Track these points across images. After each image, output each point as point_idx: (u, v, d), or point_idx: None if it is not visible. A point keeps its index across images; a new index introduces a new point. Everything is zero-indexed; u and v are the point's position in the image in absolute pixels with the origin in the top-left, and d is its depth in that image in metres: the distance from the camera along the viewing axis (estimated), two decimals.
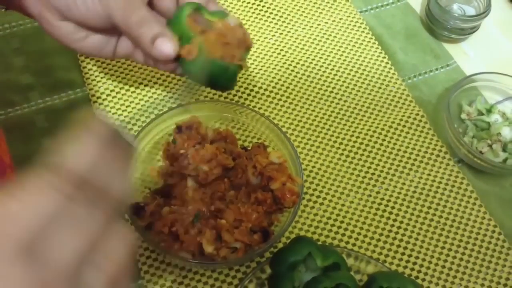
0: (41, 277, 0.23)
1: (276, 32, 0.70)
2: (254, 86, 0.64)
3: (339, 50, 0.69)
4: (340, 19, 0.72)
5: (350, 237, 0.54)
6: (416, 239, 0.55)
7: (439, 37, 0.71)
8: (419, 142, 0.62)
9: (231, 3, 0.72)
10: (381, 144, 0.61)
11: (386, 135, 0.62)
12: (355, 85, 0.66)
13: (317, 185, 0.57)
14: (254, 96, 0.63)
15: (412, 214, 0.56)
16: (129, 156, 0.29)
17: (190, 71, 0.43)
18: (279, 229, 0.50)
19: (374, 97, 0.65)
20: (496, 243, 0.55)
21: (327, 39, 0.70)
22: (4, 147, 0.53)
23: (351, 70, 0.67)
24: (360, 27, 0.71)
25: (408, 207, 0.57)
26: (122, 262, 0.27)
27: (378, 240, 0.54)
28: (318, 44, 0.69)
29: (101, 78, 0.63)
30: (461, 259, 0.54)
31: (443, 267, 0.53)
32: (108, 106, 0.61)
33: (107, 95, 0.62)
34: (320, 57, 0.68)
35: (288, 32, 0.70)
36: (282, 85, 0.65)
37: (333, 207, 0.56)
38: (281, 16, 0.71)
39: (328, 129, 0.62)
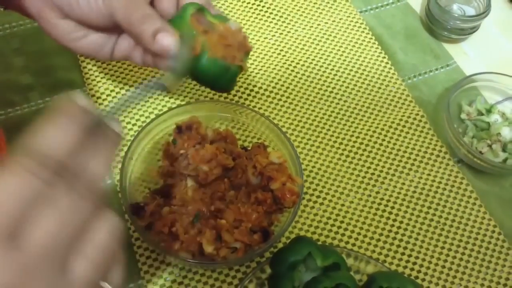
0: (22, 262, 0.23)
1: (276, 32, 0.70)
2: (254, 86, 0.64)
3: (339, 50, 0.69)
4: (340, 19, 0.72)
5: (350, 237, 0.54)
6: (416, 239, 0.55)
7: (439, 37, 0.71)
8: (419, 142, 0.62)
9: (231, 3, 0.72)
10: (381, 144, 0.61)
11: (386, 135, 0.62)
12: (355, 85, 0.66)
13: (317, 185, 0.57)
14: (254, 96, 0.64)
15: (412, 214, 0.56)
16: (114, 143, 0.29)
17: (191, 69, 0.43)
18: (279, 229, 0.50)
19: (374, 97, 0.65)
20: (496, 243, 0.55)
21: (327, 39, 0.70)
22: (4, 147, 0.53)
23: (351, 70, 0.67)
24: (360, 27, 0.71)
25: (408, 207, 0.57)
26: (109, 248, 0.27)
27: (378, 240, 0.54)
28: (318, 44, 0.69)
29: (101, 78, 0.63)
30: (461, 259, 0.54)
31: (443, 267, 0.53)
32: (108, 106, 0.61)
33: (107, 95, 0.62)
34: (320, 57, 0.68)
35: (288, 32, 0.70)
36: (282, 85, 0.65)
37: (333, 207, 0.56)
38: (281, 16, 0.71)
39: (328, 129, 0.62)
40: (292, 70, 0.66)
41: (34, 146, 0.25)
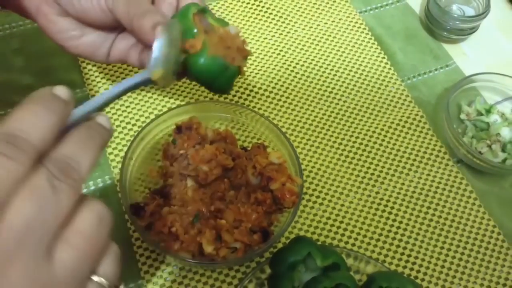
0: (3, 248, 0.23)
1: (275, 32, 0.70)
2: (254, 86, 0.65)
3: (338, 50, 0.69)
4: (340, 19, 0.72)
5: (349, 237, 0.54)
6: (416, 239, 0.55)
7: (439, 37, 0.71)
8: (419, 142, 0.62)
9: (231, 3, 0.72)
10: (381, 145, 0.61)
11: (385, 136, 0.62)
12: (355, 85, 0.66)
13: (317, 185, 0.57)
14: (254, 97, 0.64)
15: (411, 214, 0.56)
16: (100, 136, 0.29)
17: (191, 66, 0.43)
18: (278, 229, 0.50)
19: (374, 97, 0.65)
20: (495, 243, 0.55)
21: (327, 39, 0.70)
22: None
23: (350, 70, 0.67)
24: (359, 27, 0.71)
25: (407, 207, 0.57)
26: (96, 237, 0.26)
27: (378, 240, 0.54)
28: (317, 45, 0.69)
29: (101, 78, 0.63)
30: (460, 259, 0.54)
31: (443, 267, 0.53)
32: (108, 107, 0.61)
33: None
34: (320, 58, 0.68)
35: (288, 32, 0.70)
36: (282, 86, 0.65)
37: (332, 207, 0.56)
38: (280, 17, 0.71)
39: (328, 130, 0.62)
40: (292, 71, 0.66)
41: (7, 129, 0.25)
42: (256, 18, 0.71)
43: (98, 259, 0.27)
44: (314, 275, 0.46)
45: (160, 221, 0.47)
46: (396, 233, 0.55)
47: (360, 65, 0.68)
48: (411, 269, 0.53)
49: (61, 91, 0.28)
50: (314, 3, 0.73)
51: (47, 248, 0.24)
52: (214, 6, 0.71)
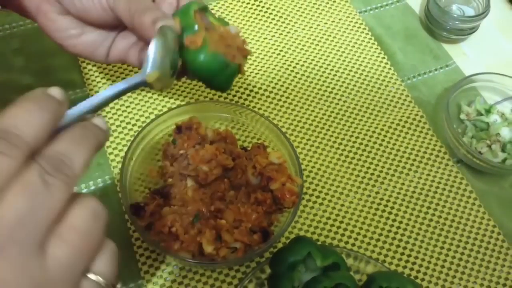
0: None
1: (275, 32, 0.70)
2: (254, 86, 0.65)
3: (338, 50, 0.69)
4: (340, 19, 0.72)
5: (349, 237, 0.54)
6: (416, 239, 0.55)
7: (438, 37, 0.71)
8: (419, 142, 0.62)
9: (231, 3, 0.72)
10: (381, 145, 0.61)
11: (385, 136, 0.62)
12: (355, 85, 0.66)
13: (317, 185, 0.58)
14: (254, 97, 0.64)
15: (411, 214, 0.56)
16: (95, 137, 0.29)
17: (191, 62, 0.43)
18: (278, 229, 0.50)
19: (374, 97, 0.65)
20: (495, 243, 0.55)
21: (327, 39, 0.70)
22: None
23: (350, 70, 0.67)
24: (359, 27, 0.71)
25: (407, 207, 0.57)
26: (91, 233, 0.26)
27: (378, 240, 0.54)
28: (317, 45, 0.69)
29: (101, 78, 0.63)
30: (460, 259, 0.54)
31: (442, 266, 0.53)
32: (109, 107, 0.61)
33: None
34: (320, 58, 0.68)
35: (288, 32, 0.70)
36: (282, 86, 0.65)
37: (332, 207, 0.56)
38: (280, 17, 0.71)
39: (328, 130, 0.62)
40: (292, 71, 0.66)
41: (0, 126, 0.25)
42: (256, 18, 0.71)
43: (93, 256, 0.27)
44: (314, 275, 0.47)
45: (160, 221, 0.47)
46: (396, 233, 0.55)
47: (360, 65, 0.68)
48: (411, 269, 0.53)
49: (55, 91, 0.28)
50: (314, 3, 0.73)
51: (39, 243, 0.24)
52: (214, 6, 0.71)
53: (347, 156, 0.60)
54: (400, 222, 0.56)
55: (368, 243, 0.54)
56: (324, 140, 0.61)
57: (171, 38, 0.41)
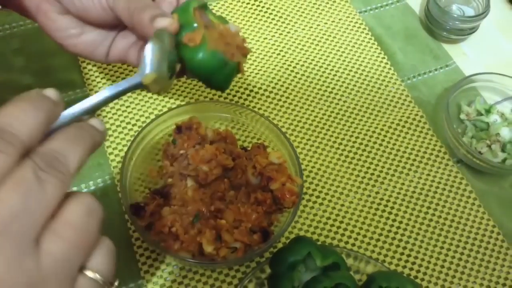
0: None
1: (275, 32, 0.70)
2: (254, 86, 0.65)
3: (338, 50, 0.69)
4: (340, 19, 0.72)
5: (349, 237, 0.54)
6: (415, 239, 0.55)
7: (438, 37, 0.71)
8: (418, 142, 0.62)
9: (231, 3, 0.72)
10: (381, 145, 0.61)
11: (385, 136, 0.62)
12: (355, 85, 0.66)
13: (317, 185, 0.58)
14: (254, 97, 0.64)
15: (411, 214, 0.56)
16: (91, 137, 0.29)
17: (189, 60, 0.42)
18: (278, 229, 0.50)
19: (374, 97, 0.65)
20: (495, 243, 0.55)
21: (327, 39, 0.70)
22: None
23: (350, 70, 0.67)
24: (359, 27, 0.71)
25: (407, 207, 0.57)
26: (85, 229, 0.26)
27: (378, 240, 0.55)
28: (317, 45, 0.69)
29: (101, 78, 0.63)
30: (460, 259, 0.54)
31: (442, 266, 0.53)
32: (108, 107, 0.61)
33: None
34: (320, 58, 0.68)
35: (288, 32, 0.70)
36: (282, 86, 0.65)
37: (332, 207, 0.56)
38: (280, 17, 0.71)
39: (328, 130, 0.62)
40: (292, 71, 0.66)
41: None
42: (256, 18, 0.71)
43: (88, 252, 0.27)
44: (314, 275, 0.47)
45: (160, 221, 0.47)
46: (396, 233, 0.55)
47: (360, 65, 0.68)
48: (411, 269, 0.53)
49: (51, 92, 0.29)
50: (314, 3, 0.73)
51: (34, 239, 0.24)
52: (215, 6, 0.71)
53: (347, 156, 0.60)
54: (400, 222, 0.56)
55: (368, 243, 0.54)
56: (324, 140, 0.61)
57: (168, 41, 0.41)
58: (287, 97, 0.64)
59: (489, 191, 0.59)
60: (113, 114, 0.60)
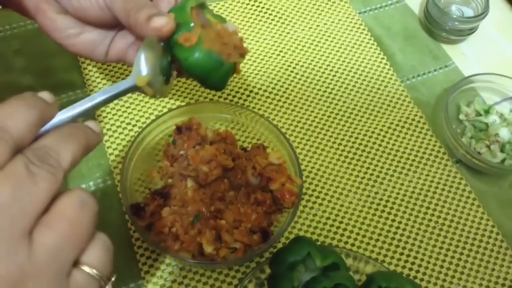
0: None
1: (275, 33, 0.70)
2: (254, 87, 0.65)
3: (338, 51, 0.69)
4: (339, 20, 0.72)
5: (349, 237, 0.55)
6: (415, 239, 0.55)
7: (438, 38, 0.71)
8: (418, 142, 0.62)
9: (231, 4, 0.72)
10: (380, 145, 0.61)
11: (384, 136, 0.62)
12: (354, 86, 0.66)
13: (316, 185, 0.58)
14: (254, 97, 0.64)
15: (410, 214, 0.57)
16: (86, 137, 0.29)
17: (185, 60, 0.42)
18: (278, 229, 0.50)
19: (373, 98, 0.65)
20: (494, 243, 0.55)
21: (326, 40, 0.70)
22: None
23: (350, 71, 0.67)
24: (359, 28, 0.71)
25: (406, 207, 0.57)
26: (79, 222, 0.26)
27: (377, 240, 0.55)
28: (317, 45, 0.69)
29: (101, 79, 0.63)
30: (459, 259, 0.54)
31: (442, 267, 0.54)
32: (109, 107, 0.61)
33: None
34: (319, 58, 0.68)
35: (288, 33, 0.70)
36: (282, 86, 0.65)
37: (332, 207, 0.56)
38: (280, 18, 0.72)
39: (327, 130, 0.62)
40: (292, 71, 0.67)
41: None
42: (256, 19, 0.71)
43: (82, 246, 0.27)
44: (314, 275, 0.47)
45: (160, 221, 0.48)
46: (395, 233, 0.55)
47: (360, 65, 0.68)
48: (410, 269, 0.53)
49: (44, 94, 0.29)
50: (313, 4, 0.73)
51: (26, 231, 0.25)
52: (214, 6, 0.71)
53: (346, 157, 0.60)
54: (400, 222, 0.56)
55: (368, 243, 0.54)
56: (324, 140, 0.61)
57: (158, 47, 0.41)
58: (287, 98, 0.64)
59: (489, 191, 0.59)
60: (113, 114, 0.60)
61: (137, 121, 0.60)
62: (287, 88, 0.65)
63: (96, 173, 0.56)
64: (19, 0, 0.45)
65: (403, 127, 0.63)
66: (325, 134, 0.62)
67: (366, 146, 0.61)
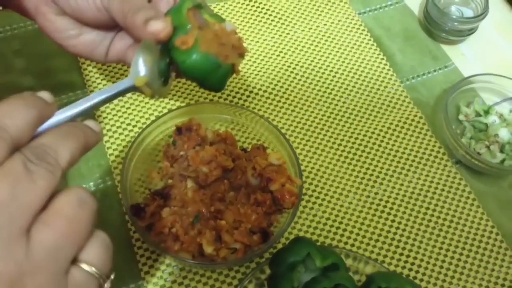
0: None
1: (275, 34, 0.70)
2: (254, 87, 0.65)
3: (338, 51, 0.69)
4: (339, 21, 0.72)
5: (348, 237, 0.55)
6: (414, 239, 0.55)
7: (437, 38, 0.71)
8: (417, 143, 0.62)
9: (231, 5, 0.72)
10: (380, 145, 0.61)
11: (384, 137, 0.62)
12: (354, 86, 0.66)
13: (316, 186, 0.58)
14: (254, 98, 0.64)
15: (410, 215, 0.57)
16: (85, 136, 0.29)
17: (182, 63, 0.42)
18: (278, 229, 0.50)
19: (373, 98, 0.65)
20: (493, 244, 0.55)
21: (326, 41, 0.70)
22: None
23: (349, 71, 0.67)
24: (358, 29, 0.71)
25: (406, 208, 0.57)
26: (76, 219, 0.26)
27: (377, 240, 0.55)
28: (317, 46, 0.69)
29: (102, 80, 0.63)
30: (459, 260, 0.54)
31: (441, 267, 0.54)
32: (109, 108, 0.61)
33: None
34: (319, 59, 0.68)
35: (287, 34, 0.70)
36: (281, 87, 0.65)
37: (332, 208, 0.56)
38: (280, 18, 0.72)
39: (327, 131, 0.62)
40: (291, 72, 0.67)
41: None
42: (255, 19, 0.71)
43: (81, 244, 0.27)
44: (314, 276, 0.47)
45: (160, 222, 0.48)
46: (395, 233, 0.55)
47: (359, 66, 0.68)
48: (410, 269, 0.53)
49: (43, 93, 0.29)
50: (313, 5, 0.73)
51: (24, 229, 0.25)
52: (215, 7, 0.71)
53: (346, 157, 0.60)
54: (399, 223, 0.56)
55: (367, 244, 0.54)
56: (324, 141, 0.61)
57: (155, 49, 0.41)
58: (287, 98, 0.64)
59: (488, 191, 0.59)
60: (113, 115, 0.61)
61: (137, 121, 0.60)
62: (287, 89, 0.65)
63: (96, 173, 0.56)
64: (19, 1, 0.46)
65: (402, 127, 0.63)
66: (325, 135, 0.62)
67: (366, 146, 0.61)
